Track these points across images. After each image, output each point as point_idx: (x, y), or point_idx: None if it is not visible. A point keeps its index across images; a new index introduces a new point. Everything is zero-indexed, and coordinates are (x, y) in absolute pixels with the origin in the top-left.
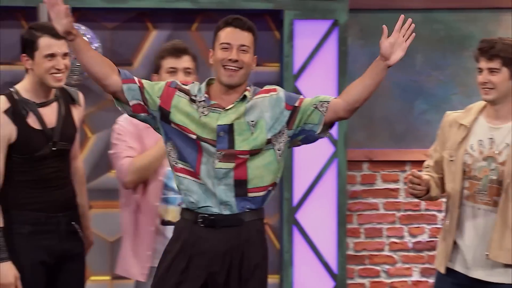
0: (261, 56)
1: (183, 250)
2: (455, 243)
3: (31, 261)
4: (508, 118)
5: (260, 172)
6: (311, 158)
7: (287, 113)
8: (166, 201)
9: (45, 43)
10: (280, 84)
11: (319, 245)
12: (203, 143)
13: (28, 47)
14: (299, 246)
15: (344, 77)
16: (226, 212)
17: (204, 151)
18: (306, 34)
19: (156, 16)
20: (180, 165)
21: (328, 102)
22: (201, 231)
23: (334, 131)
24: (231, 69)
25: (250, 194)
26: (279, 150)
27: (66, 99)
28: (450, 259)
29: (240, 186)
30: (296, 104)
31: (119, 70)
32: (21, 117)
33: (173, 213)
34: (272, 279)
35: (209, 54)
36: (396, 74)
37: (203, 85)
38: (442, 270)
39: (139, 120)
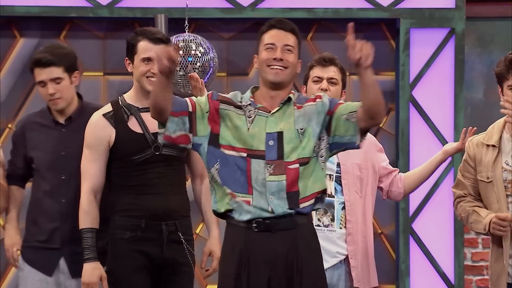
0: (377, 64)
1: (242, 259)
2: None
3: (131, 266)
4: None
5: (310, 181)
6: None
7: (327, 119)
8: None
9: (143, 47)
10: (395, 93)
11: (435, 255)
12: (252, 160)
13: (130, 50)
14: (416, 256)
15: (461, 86)
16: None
17: (252, 170)
18: (422, 43)
19: None
20: (227, 190)
21: (356, 112)
22: (256, 237)
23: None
24: (277, 68)
25: (301, 205)
26: (321, 157)
27: None
28: (508, 276)
29: (293, 199)
30: (333, 109)
31: (173, 101)
32: (122, 121)
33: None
34: None
35: (253, 60)
36: None
37: (248, 91)
38: None
39: (176, 148)
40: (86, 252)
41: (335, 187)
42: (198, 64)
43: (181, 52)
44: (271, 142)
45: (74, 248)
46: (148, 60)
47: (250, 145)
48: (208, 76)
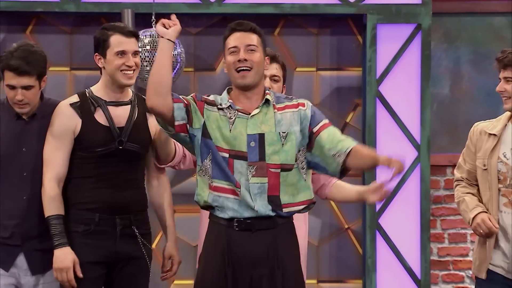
0: (344, 60)
1: (225, 257)
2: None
3: (81, 259)
4: None
5: (291, 190)
6: None
7: (307, 134)
8: None
9: (116, 40)
10: (362, 88)
11: (402, 250)
12: (235, 161)
13: (100, 45)
14: (382, 251)
15: (427, 81)
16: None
17: (235, 170)
18: (389, 38)
19: None
20: (215, 184)
21: (343, 153)
22: (237, 236)
23: (417, 136)
24: (243, 69)
25: (285, 210)
26: (302, 169)
27: (143, 107)
28: (492, 264)
29: (275, 202)
30: (315, 130)
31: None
32: (88, 112)
33: None
34: (355, 284)
35: (224, 65)
36: (480, 79)
37: (224, 93)
38: (483, 276)
39: (176, 140)
40: (56, 239)
41: None
42: None
43: (148, 47)
44: (252, 144)
45: (36, 245)
46: (122, 53)
47: (233, 145)
48: (175, 71)
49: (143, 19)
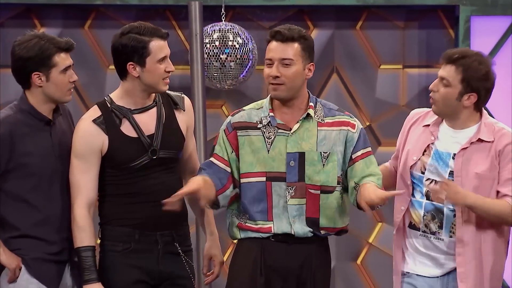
0: (434, 56)
1: (257, 267)
2: None
3: (123, 281)
4: None
5: (332, 214)
6: None
7: (348, 158)
8: (412, 204)
9: (157, 46)
10: None
11: None
12: (273, 183)
13: (137, 53)
14: None
15: None
16: None
17: (274, 194)
18: (484, 32)
19: (317, 14)
20: (249, 224)
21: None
22: (272, 247)
23: None
24: (274, 84)
25: (323, 232)
26: (346, 191)
27: (168, 104)
28: None
29: (313, 224)
30: (354, 157)
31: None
32: (114, 126)
33: (418, 217)
34: None
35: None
36: None
37: (267, 101)
38: None
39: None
40: (86, 273)
41: None
42: (236, 56)
43: (217, 43)
44: (292, 163)
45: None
46: (163, 59)
47: (271, 167)
48: (246, 69)
49: (212, 12)
